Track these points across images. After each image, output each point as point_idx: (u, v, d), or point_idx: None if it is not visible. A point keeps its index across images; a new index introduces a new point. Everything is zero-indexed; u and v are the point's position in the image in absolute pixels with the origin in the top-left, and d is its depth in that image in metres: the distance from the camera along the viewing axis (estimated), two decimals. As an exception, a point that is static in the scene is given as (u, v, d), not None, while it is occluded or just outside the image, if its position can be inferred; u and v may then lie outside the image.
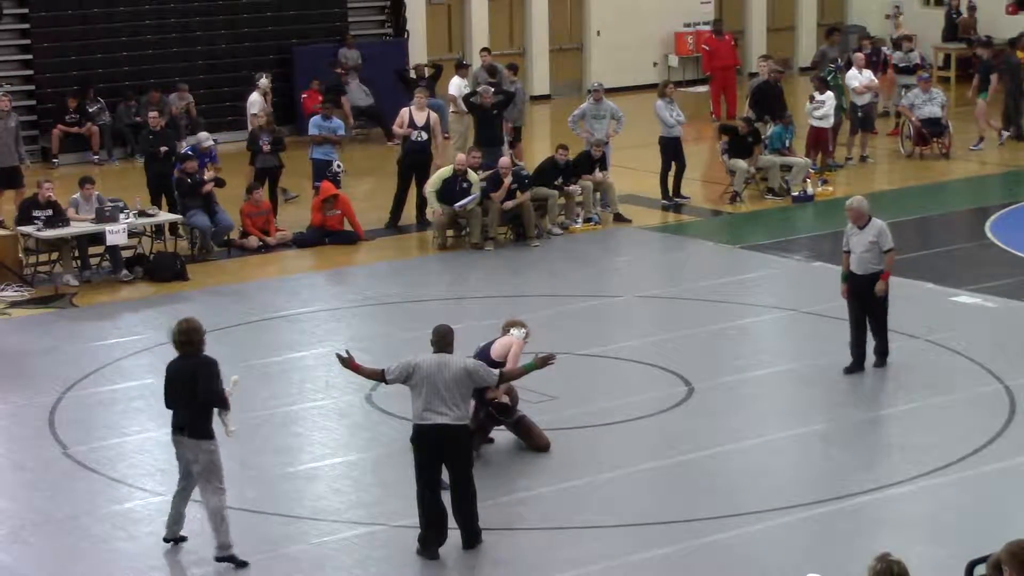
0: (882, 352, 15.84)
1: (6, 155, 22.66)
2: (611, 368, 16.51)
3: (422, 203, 22.86)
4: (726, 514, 12.51)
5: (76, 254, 20.44)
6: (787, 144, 24.87)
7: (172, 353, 11.85)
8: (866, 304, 15.65)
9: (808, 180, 24.29)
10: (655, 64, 35.82)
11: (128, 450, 14.32)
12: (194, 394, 11.64)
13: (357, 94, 29.94)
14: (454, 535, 11.92)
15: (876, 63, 29.08)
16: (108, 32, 29.07)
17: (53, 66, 28.58)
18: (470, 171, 21.84)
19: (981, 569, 9.06)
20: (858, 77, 26.76)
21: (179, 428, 11.77)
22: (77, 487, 13.44)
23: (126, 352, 17.24)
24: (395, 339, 17.25)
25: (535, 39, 34.49)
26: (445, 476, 11.94)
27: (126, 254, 20.69)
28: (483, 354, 13.47)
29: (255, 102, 25.51)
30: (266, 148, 23.28)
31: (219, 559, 11.73)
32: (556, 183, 22.53)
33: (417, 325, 16.50)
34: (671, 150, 24.03)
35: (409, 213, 23.08)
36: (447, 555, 11.85)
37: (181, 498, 12.03)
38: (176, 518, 12.06)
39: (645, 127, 27.02)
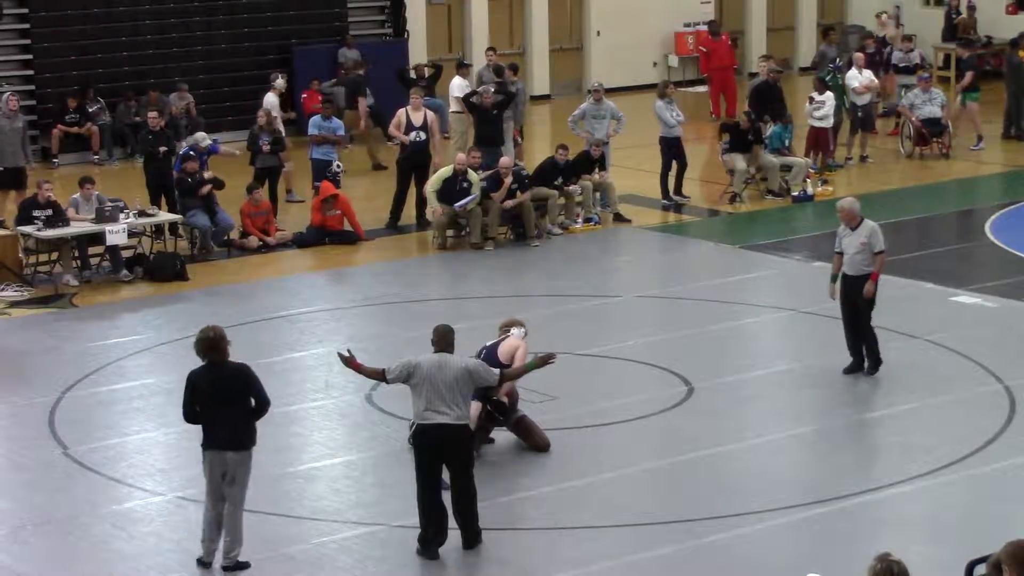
0: (873, 356, 15.71)
1: (12, 155, 22.66)
2: (611, 368, 16.51)
3: (422, 203, 22.86)
4: (726, 514, 12.51)
5: (76, 254, 20.43)
6: (787, 144, 24.88)
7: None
8: (857, 306, 15.61)
9: (808, 180, 24.29)
10: (655, 64, 35.82)
11: (128, 450, 14.32)
12: (239, 405, 11.35)
13: (357, 94, 29.93)
14: (454, 535, 11.92)
15: (880, 63, 29.06)
16: (108, 32, 29.06)
17: (53, 66, 28.58)
18: (470, 171, 21.84)
19: (981, 569, 9.06)
20: (858, 77, 26.77)
21: (221, 442, 11.37)
22: (77, 487, 13.44)
23: (126, 352, 17.24)
24: (395, 339, 17.25)
25: (535, 39, 34.49)
26: (445, 476, 11.94)
27: (126, 254, 20.69)
28: (489, 355, 13.46)
29: (273, 104, 25.39)
30: (266, 148, 23.29)
31: (227, 568, 11.59)
32: (556, 183, 22.54)
33: (417, 325, 16.51)
34: (672, 150, 24.03)
35: (409, 213, 23.08)
36: (447, 555, 11.85)
37: (218, 515, 11.61)
38: (214, 536, 11.65)
39: (645, 127, 27.02)
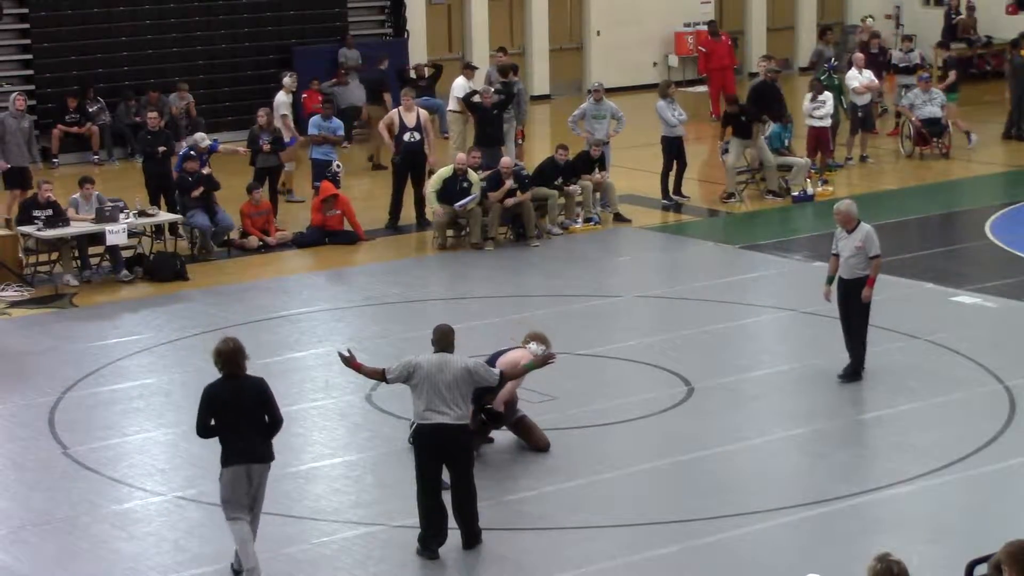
0: (855, 364, 15.58)
1: (19, 155, 22.67)
2: (611, 368, 16.51)
3: (420, 203, 22.86)
4: (726, 514, 12.51)
5: (76, 254, 20.43)
6: (786, 144, 24.88)
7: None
8: (851, 309, 15.57)
9: (808, 180, 24.29)
10: (655, 64, 35.83)
11: (128, 450, 14.32)
12: (259, 419, 11.23)
13: (357, 94, 29.92)
14: (454, 535, 11.92)
15: (883, 62, 29.05)
16: (108, 32, 29.08)
17: (53, 66, 28.58)
18: (470, 171, 21.84)
19: (981, 569, 9.06)
20: (858, 77, 26.76)
21: (244, 455, 11.20)
22: (77, 487, 13.44)
23: (126, 352, 17.24)
24: (395, 339, 17.25)
25: (535, 39, 34.50)
26: (445, 476, 11.94)
27: (126, 254, 20.69)
28: (491, 360, 13.43)
29: (282, 103, 25.35)
30: (266, 148, 23.29)
31: (238, 572, 11.52)
32: (556, 183, 22.54)
33: (417, 325, 16.52)
34: (673, 149, 24.04)
35: (409, 213, 23.08)
36: (447, 555, 11.85)
37: (245, 534, 11.38)
38: (253, 554, 11.41)
39: (645, 127, 27.03)
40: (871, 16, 33.94)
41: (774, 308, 18.59)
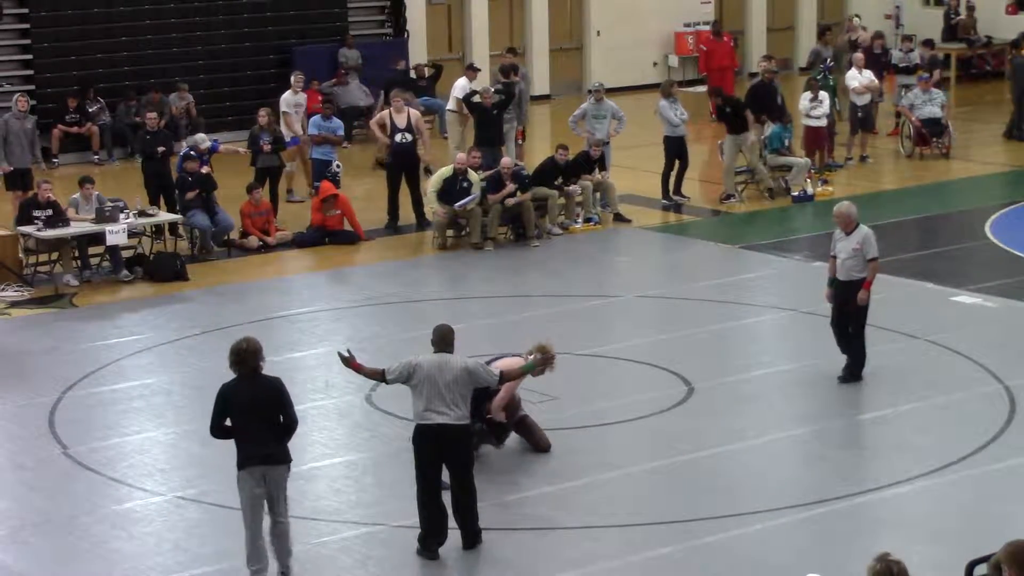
0: (855, 366, 15.55)
1: (22, 156, 22.66)
2: (611, 368, 16.51)
3: (418, 203, 22.87)
4: (726, 514, 12.51)
5: (76, 254, 20.44)
6: (786, 144, 24.88)
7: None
8: (847, 312, 15.52)
9: (808, 180, 24.29)
10: (655, 64, 35.83)
11: (128, 450, 14.32)
12: (275, 419, 11.09)
13: (357, 94, 29.94)
14: (454, 535, 11.92)
15: (884, 63, 29.04)
16: (108, 32, 29.07)
17: (53, 66, 28.58)
18: (470, 171, 21.84)
19: (981, 569, 9.06)
20: (858, 77, 26.76)
21: (259, 458, 11.05)
22: (77, 487, 13.44)
23: (126, 352, 17.24)
24: (395, 339, 17.25)
25: (535, 39, 34.50)
26: (445, 476, 11.94)
27: (126, 254, 20.69)
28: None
29: (289, 102, 25.30)
30: (266, 148, 23.28)
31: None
32: (556, 183, 22.54)
33: (417, 325, 16.51)
34: (675, 149, 24.04)
35: (408, 214, 23.06)
36: (447, 555, 11.85)
37: (258, 534, 11.26)
38: (262, 552, 11.35)
39: (645, 127, 27.03)
40: (858, 15, 33.90)
41: (774, 308, 18.59)
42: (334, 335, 17.65)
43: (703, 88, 33.56)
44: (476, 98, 24.31)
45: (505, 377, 12.47)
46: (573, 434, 14.34)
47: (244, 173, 23.32)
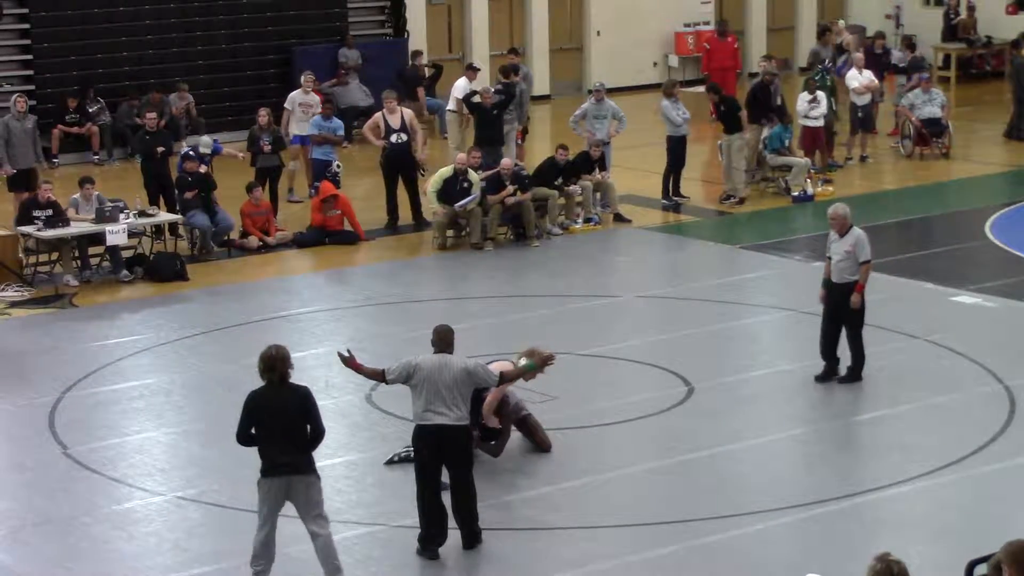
0: (855, 367, 15.54)
1: (24, 156, 22.66)
2: (611, 368, 16.51)
3: (415, 203, 22.87)
4: (726, 514, 12.51)
5: (76, 254, 20.44)
6: (787, 144, 24.88)
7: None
8: (840, 314, 15.48)
9: (808, 180, 24.29)
10: (655, 64, 35.83)
11: (128, 450, 14.32)
12: (301, 429, 10.92)
13: (357, 94, 29.94)
14: (454, 535, 11.92)
15: (886, 63, 29.04)
16: (108, 32, 29.08)
17: (53, 66, 28.59)
18: (470, 171, 21.84)
19: (981, 569, 9.06)
20: (858, 77, 26.76)
21: (284, 468, 10.86)
22: (77, 487, 13.44)
23: (126, 352, 17.24)
24: (395, 339, 17.25)
25: (535, 39, 34.50)
26: (445, 476, 11.94)
27: (126, 254, 20.69)
28: None
29: (291, 99, 25.28)
30: (266, 148, 23.29)
31: None
32: (556, 183, 22.54)
33: (417, 325, 16.51)
34: (679, 149, 24.03)
35: (406, 214, 23.05)
36: (447, 555, 11.85)
37: (272, 538, 11.13)
38: (271, 556, 11.22)
39: (645, 127, 27.04)
40: (842, 19, 33.80)
41: (774, 308, 18.59)
42: (334, 335, 17.64)
43: (703, 88, 33.56)
44: (476, 98, 24.30)
45: (505, 378, 12.48)
46: (573, 434, 14.34)
47: (244, 173, 23.32)
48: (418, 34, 32.43)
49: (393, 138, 22.81)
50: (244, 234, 21.97)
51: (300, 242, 22.06)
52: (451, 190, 21.60)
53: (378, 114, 23.29)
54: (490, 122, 23.96)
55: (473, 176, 21.80)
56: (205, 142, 23.10)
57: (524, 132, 26.35)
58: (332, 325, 18.31)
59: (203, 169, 22.02)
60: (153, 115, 23.33)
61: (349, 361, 11.90)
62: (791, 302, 18.60)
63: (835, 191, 24.26)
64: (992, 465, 13.45)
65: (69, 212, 20.41)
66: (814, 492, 12.95)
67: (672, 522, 12.41)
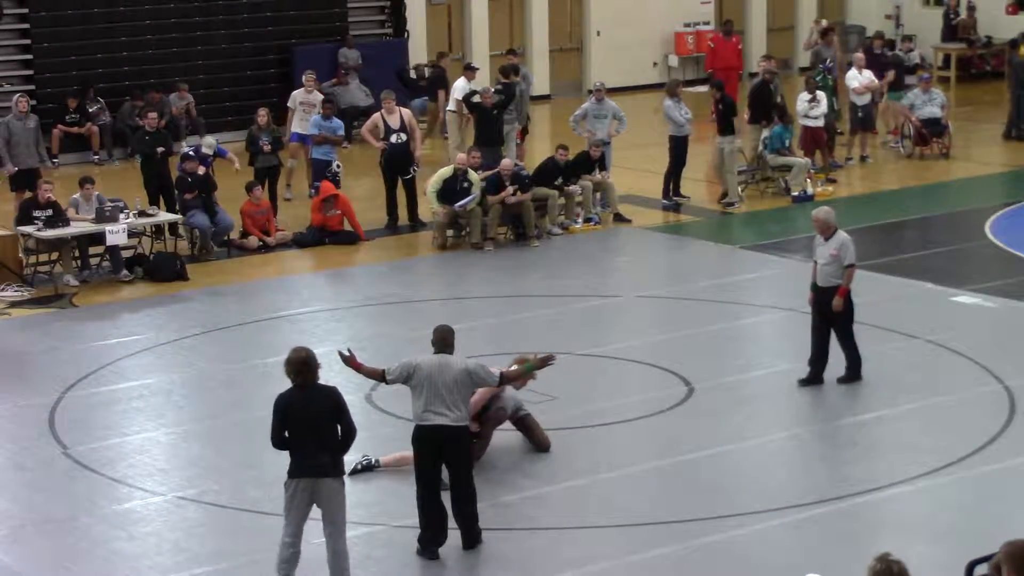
0: (852, 367, 15.50)
1: (26, 156, 22.66)
2: (611, 368, 16.51)
3: (411, 204, 22.87)
4: (726, 514, 12.51)
5: (76, 254, 20.44)
6: (787, 144, 24.88)
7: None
8: (827, 317, 15.44)
9: (808, 180, 24.29)
10: (655, 64, 35.83)
11: (128, 450, 14.32)
12: (332, 430, 10.87)
13: (357, 94, 29.93)
14: (454, 535, 11.92)
15: (886, 63, 29.00)
16: (108, 32, 29.08)
17: (53, 66, 28.59)
18: (470, 171, 21.84)
19: (981, 569, 9.06)
20: (858, 77, 26.74)
21: (314, 470, 10.81)
22: (77, 487, 13.44)
23: (126, 352, 17.24)
24: (395, 339, 17.25)
25: (535, 39, 34.50)
26: (445, 476, 11.94)
27: (126, 254, 20.69)
28: None
29: (301, 99, 25.26)
30: (266, 148, 23.29)
31: None
32: (556, 183, 22.54)
33: (417, 325, 16.52)
34: (681, 149, 24.02)
35: (403, 214, 23.03)
36: (447, 555, 11.85)
37: (298, 543, 11.00)
38: (292, 561, 11.09)
39: (645, 127, 27.03)
40: (823, 19, 33.65)
41: (774, 308, 18.59)
42: (334, 335, 17.64)
43: (704, 88, 33.54)
44: (476, 98, 24.30)
45: (505, 378, 12.48)
46: (573, 434, 14.34)
47: (244, 173, 23.32)
48: (418, 34, 32.43)
49: (393, 138, 22.80)
50: (244, 234, 21.97)
51: (300, 242, 22.06)
52: (451, 190, 21.60)
53: (376, 115, 23.28)
54: (490, 122, 23.96)
55: (473, 176, 21.80)
56: (209, 142, 23.11)
57: (524, 132, 26.34)
58: (332, 325, 18.31)
59: (202, 171, 22.00)
60: (153, 115, 23.32)
61: (349, 360, 11.89)
62: (791, 302, 18.57)
63: (834, 191, 24.24)
64: (992, 465, 13.45)
65: (69, 212, 20.41)
66: (814, 492, 12.95)
67: (672, 522, 12.41)
